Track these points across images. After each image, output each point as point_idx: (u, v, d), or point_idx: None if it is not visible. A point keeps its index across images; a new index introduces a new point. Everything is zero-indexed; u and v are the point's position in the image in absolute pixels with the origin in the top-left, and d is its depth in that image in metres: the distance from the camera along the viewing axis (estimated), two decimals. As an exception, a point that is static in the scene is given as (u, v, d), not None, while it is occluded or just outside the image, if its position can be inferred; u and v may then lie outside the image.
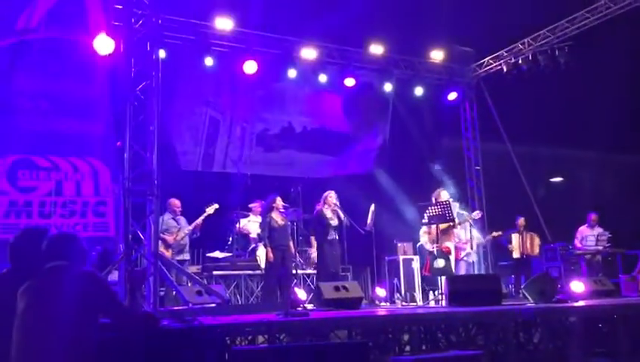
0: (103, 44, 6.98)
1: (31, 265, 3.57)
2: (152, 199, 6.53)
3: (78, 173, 6.25)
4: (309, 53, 11.18)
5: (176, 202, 8.99)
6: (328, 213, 9.35)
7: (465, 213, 9.72)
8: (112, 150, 6.51)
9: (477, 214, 9.98)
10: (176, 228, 8.90)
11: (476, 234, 9.89)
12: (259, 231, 9.71)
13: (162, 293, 7.26)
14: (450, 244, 9.05)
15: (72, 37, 6.51)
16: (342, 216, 9.28)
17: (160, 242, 7.26)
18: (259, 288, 9.31)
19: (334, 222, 9.30)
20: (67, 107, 6.39)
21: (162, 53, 8.07)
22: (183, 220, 9.06)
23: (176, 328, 4.37)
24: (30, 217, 5.88)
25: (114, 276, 6.62)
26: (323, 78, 11.49)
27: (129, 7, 6.97)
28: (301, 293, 8.26)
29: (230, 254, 9.31)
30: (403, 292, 9.96)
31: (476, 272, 10.24)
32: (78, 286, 3.37)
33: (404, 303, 9.57)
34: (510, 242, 11.15)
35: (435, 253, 8.59)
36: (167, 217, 8.76)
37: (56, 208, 6.03)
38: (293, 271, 9.14)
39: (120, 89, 6.76)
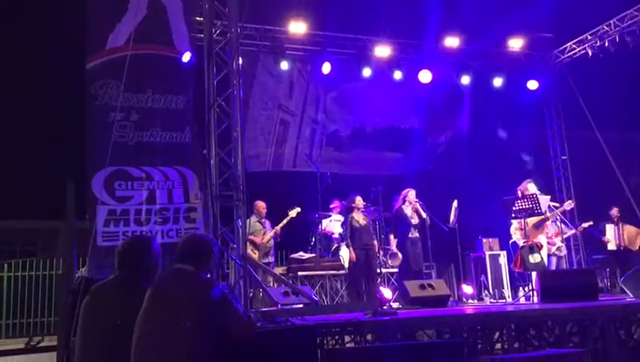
0: (186, 57, 7.22)
1: (140, 271, 3.78)
2: (239, 204, 6.71)
3: (169, 181, 6.50)
4: (383, 50, 11.14)
5: (262, 205, 9.20)
6: (408, 211, 9.30)
7: (555, 204, 9.38)
8: (199, 158, 6.74)
9: (569, 204, 9.61)
10: (262, 231, 9.12)
11: (565, 226, 9.52)
12: (340, 230, 9.79)
13: (251, 294, 7.44)
14: (542, 238, 8.77)
15: (157, 51, 6.79)
16: (423, 213, 9.20)
17: (248, 243, 7.45)
18: (343, 288, 9.37)
19: (415, 220, 9.25)
20: (156, 119, 6.66)
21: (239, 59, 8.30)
22: (268, 223, 9.28)
23: (268, 329, 4.46)
24: (127, 225, 6.17)
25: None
26: (398, 74, 11.41)
27: (209, 18, 7.19)
28: (387, 292, 8.26)
29: (314, 255, 9.42)
30: (491, 288, 9.74)
31: (566, 266, 9.86)
32: (202, 289, 3.52)
33: (492, 300, 9.35)
34: (604, 234, 10.65)
35: (529, 247, 8.32)
36: (253, 220, 8.99)
37: (151, 215, 6.31)
38: (377, 270, 9.15)
39: (203, 98, 6.97)
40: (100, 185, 6.12)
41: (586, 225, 10.57)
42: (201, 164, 6.71)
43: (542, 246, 8.70)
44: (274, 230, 9.27)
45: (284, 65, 10.68)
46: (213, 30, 7.42)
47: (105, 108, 6.44)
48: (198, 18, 7.92)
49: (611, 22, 10.86)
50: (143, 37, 6.56)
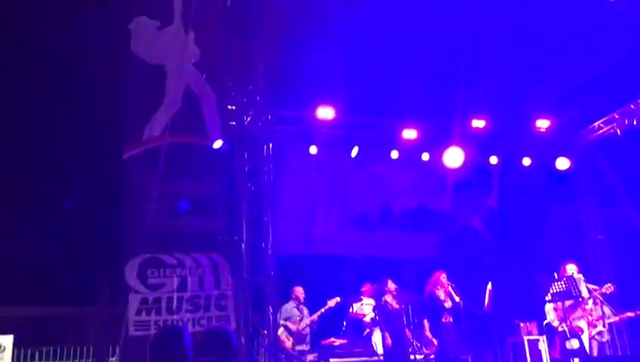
0: (218, 144, 7.41)
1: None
2: (269, 290, 6.66)
3: (201, 268, 6.53)
4: (410, 133, 11.27)
5: (300, 290, 9.08)
6: (441, 295, 9.08)
7: (594, 287, 9.05)
8: (230, 243, 6.79)
9: (608, 287, 9.24)
10: (299, 317, 8.94)
11: (608, 310, 9.13)
12: (372, 314, 9.57)
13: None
14: (581, 323, 8.41)
15: (191, 140, 7.01)
16: (456, 297, 8.98)
17: (282, 329, 7.32)
18: (377, 375, 9.02)
19: (448, 304, 9.01)
20: (189, 205, 6.78)
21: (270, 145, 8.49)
22: (305, 310, 9.10)
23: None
24: (159, 313, 6.16)
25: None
26: (425, 156, 11.48)
27: (241, 107, 7.43)
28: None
29: (345, 341, 9.17)
30: (532, 377, 9.29)
31: (609, 352, 9.39)
32: None
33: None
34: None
35: (567, 332, 7.99)
36: (290, 306, 8.85)
37: (182, 303, 6.30)
38: (412, 356, 8.84)
39: (235, 184, 7.10)
40: (134, 273, 6.17)
41: (631, 314, 9.97)
42: (232, 249, 6.74)
43: (582, 330, 8.33)
44: (311, 318, 9.10)
45: (313, 149, 10.85)
46: (245, 118, 7.65)
47: (140, 196, 6.58)
48: (231, 107, 8.19)
49: (638, 101, 10.87)
50: (177, 127, 6.80)
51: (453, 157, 11.13)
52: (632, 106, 11.05)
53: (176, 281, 6.35)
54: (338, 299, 9.17)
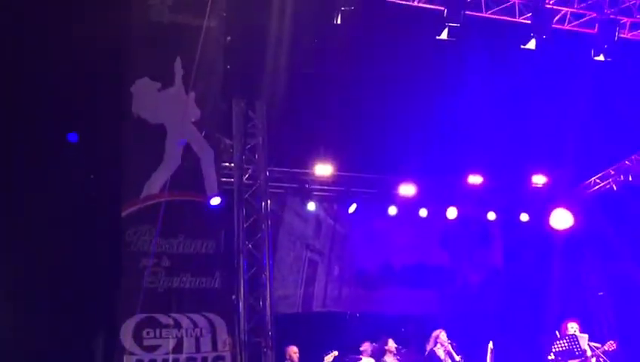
0: (216, 200, 7.43)
1: None
2: (267, 351, 6.53)
3: (197, 328, 6.43)
4: (407, 189, 11.33)
5: (294, 350, 8.85)
6: (440, 353, 8.96)
7: (596, 345, 8.90)
8: (228, 303, 6.70)
9: (610, 345, 9.07)
10: (294, 378, 8.70)
11: (612, 369, 8.95)
12: (372, 375, 9.36)
13: None
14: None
15: (190, 198, 7.04)
16: (456, 356, 8.85)
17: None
18: None
19: (448, 363, 8.85)
20: (187, 264, 6.74)
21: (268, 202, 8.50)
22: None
23: None
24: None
25: None
26: (423, 212, 11.51)
27: (239, 166, 7.49)
28: None
29: (344, 402, 8.93)
30: None
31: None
32: None
33: None
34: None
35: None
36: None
37: (178, 365, 6.16)
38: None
39: (232, 243, 7.07)
40: (129, 334, 6.06)
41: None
42: (229, 309, 6.65)
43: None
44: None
45: (311, 205, 10.89)
46: (243, 175, 7.70)
47: (137, 254, 6.56)
48: (227, 163, 8.25)
49: (633, 157, 10.99)
50: (177, 185, 6.84)
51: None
52: (626, 163, 11.17)
53: (172, 342, 6.25)
54: (336, 352, 8.94)
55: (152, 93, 7.14)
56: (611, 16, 8.09)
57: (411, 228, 11.94)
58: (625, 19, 8.38)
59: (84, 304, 6.57)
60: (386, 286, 11.95)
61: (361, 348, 9.93)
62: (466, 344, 9.21)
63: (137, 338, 6.09)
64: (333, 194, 11.30)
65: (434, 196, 11.69)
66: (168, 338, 6.24)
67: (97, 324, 5.51)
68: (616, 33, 8.12)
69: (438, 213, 11.66)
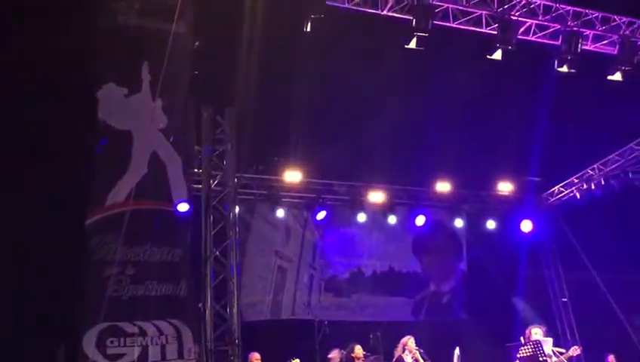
0: (184, 207, 7.35)
1: None
2: (234, 359, 6.49)
3: (163, 336, 6.33)
4: (376, 196, 11.40)
5: (256, 357, 8.80)
6: (409, 360, 8.97)
7: (560, 350, 9.05)
8: (194, 311, 6.63)
9: (574, 350, 9.23)
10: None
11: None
12: (340, 382, 9.33)
13: None
14: (548, 386, 8.34)
15: (156, 206, 6.95)
16: (423, 363, 8.87)
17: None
18: None
19: (416, 370, 8.88)
20: (152, 272, 6.65)
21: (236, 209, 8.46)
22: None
23: None
24: (119, 385, 5.91)
25: None
26: (392, 219, 11.60)
27: (207, 173, 7.44)
28: None
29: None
30: None
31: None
32: None
33: None
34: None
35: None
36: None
37: (143, 374, 6.06)
38: None
39: (199, 250, 7.01)
40: (91, 343, 5.95)
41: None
42: (196, 317, 6.58)
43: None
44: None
45: (280, 212, 10.87)
46: (211, 181, 7.64)
47: (101, 263, 6.45)
48: (197, 169, 8.18)
49: (595, 166, 11.24)
50: (142, 193, 6.75)
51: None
52: (589, 171, 11.43)
53: (137, 351, 6.15)
54: (298, 360, 8.92)
55: (118, 99, 7.05)
56: (574, 29, 8.29)
57: (381, 234, 12.02)
58: (587, 32, 8.59)
59: (46, 313, 6.43)
60: (357, 293, 11.99)
61: (330, 356, 9.90)
62: (434, 350, 9.26)
63: (101, 346, 5.97)
64: (303, 201, 11.31)
65: (403, 203, 11.80)
66: (133, 346, 6.14)
67: (59, 334, 5.37)
68: (579, 45, 8.32)
69: (407, 220, 11.77)
